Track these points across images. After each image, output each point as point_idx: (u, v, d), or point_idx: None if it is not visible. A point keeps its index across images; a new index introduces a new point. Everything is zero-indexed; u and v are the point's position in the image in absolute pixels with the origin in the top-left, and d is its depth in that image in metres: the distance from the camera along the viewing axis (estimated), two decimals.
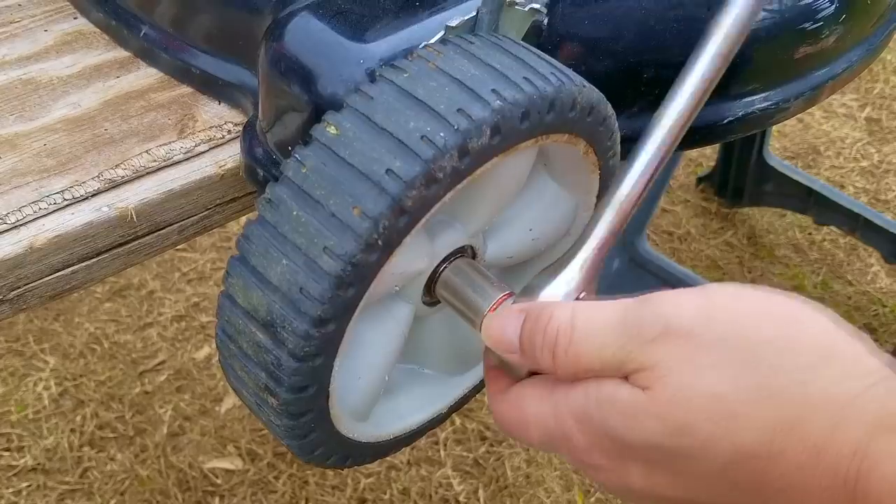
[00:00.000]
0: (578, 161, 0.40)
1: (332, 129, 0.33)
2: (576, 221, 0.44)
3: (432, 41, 0.36)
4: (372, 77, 0.34)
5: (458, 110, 0.32)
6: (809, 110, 1.40)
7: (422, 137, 0.32)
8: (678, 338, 0.30)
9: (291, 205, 0.33)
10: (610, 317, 0.32)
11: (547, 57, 0.36)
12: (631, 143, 0.45)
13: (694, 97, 0.36)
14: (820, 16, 0.48)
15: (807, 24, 0.48)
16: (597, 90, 0.37)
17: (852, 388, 0.28)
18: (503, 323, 0.34)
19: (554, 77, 0.35)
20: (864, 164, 1.69)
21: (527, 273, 0.46)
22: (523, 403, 0.34)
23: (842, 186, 1.63)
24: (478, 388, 0.47)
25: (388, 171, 0.31)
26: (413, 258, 0.38)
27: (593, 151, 0.39)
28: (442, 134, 0.32)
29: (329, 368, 0.35)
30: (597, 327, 0.32)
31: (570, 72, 0.36)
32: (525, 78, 0.34)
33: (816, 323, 0.30)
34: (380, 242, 0.32)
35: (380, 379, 0.41)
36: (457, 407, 0.46)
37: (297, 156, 0.33)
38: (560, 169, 0.41)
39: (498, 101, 0.33)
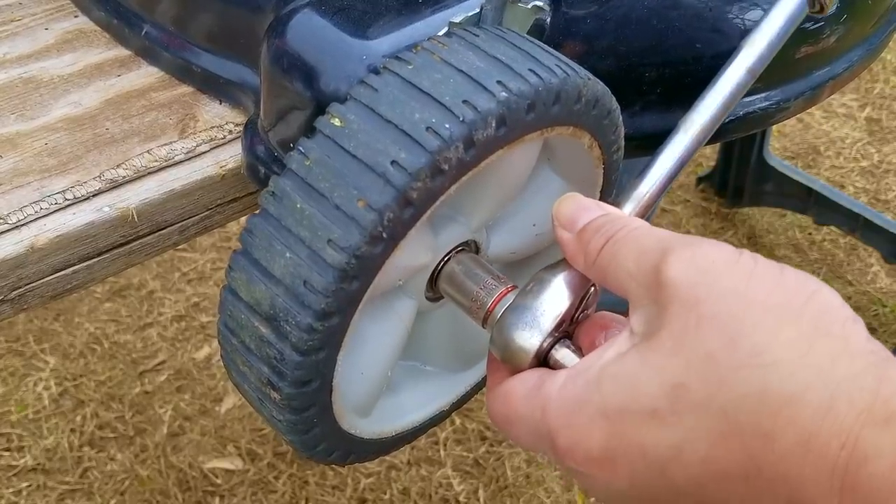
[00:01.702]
0: (583, 155, 0.40)
1: (336, 121, 0.33)
2: None
3: (440, 35, 0.36)
4: (377, 69, 0.34)
5: (464, 101, 0.32)
6: (809, 110, 1.40)
7: (427, 129, 0.32)
8: (700, 268, 0.30)
9: (295, 197, 0.33)
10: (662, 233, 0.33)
11: (552, 50, 0.36)
12: (632, 142, 0.45)
13: (722, 105, 0.37)
14: (821, 16, 0.48)
15: (808, 24, 0.48)
16: (601, 83, 0.37)
17: (846, 367, 0.27)
18: (584, 206, 0.35)
19: (559, 69, 0.35)
20: (864, 164, 1.69)
21: (530, 268, 0.46)
22: (512, 398, 0.34)
23: (842, 186, 1.64)
24: (480, 385, 0.47)
25: (394, 162, 0.31)
26: (417, 252, 0.38)
27: (598, 145, 0.39)
28: (447, 125, 0.32)
29: (332, 362, 0.35)
30: (648, 233, 0.33)
31: (574, 65, 0.36)
32: (531, 69, 0.34)
33: (823, 298, 0.29)
34: (384, 235, 0.32)
35: (382, 374, 0.41)
36: (459, 404, 0.46)
37: (300, 148, 0.33)
38: (564, 163, 0.41)
39: (504, 93, 0.33)
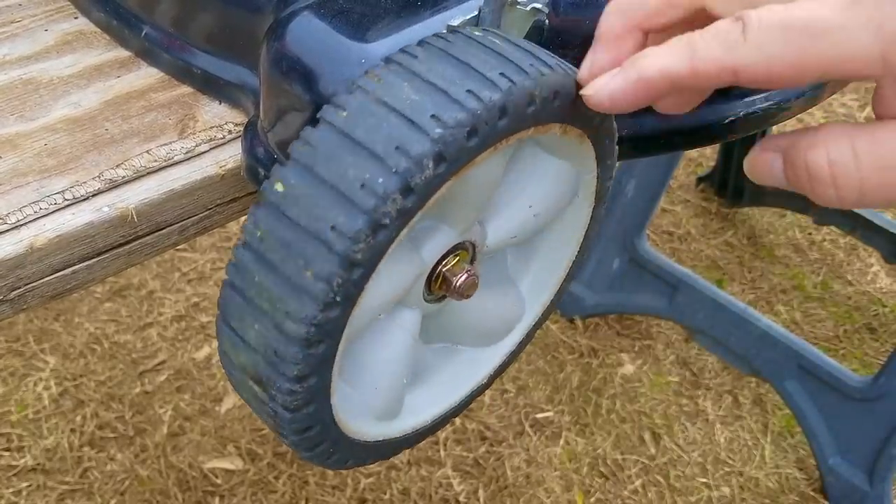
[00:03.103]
0: (560, 138, 0.38)
1: (279, 186, 0.32)
2: (581, 186, 0.42)
3: (378, 67, 0.34)
4: (315, 120, 0.33)
5: (396, 148, 0.31)
6: (810, 110, 1.40)
7: (361, 186, 0.30)
8: None
9: (253, 270, 0.33)
10: None
11: (503, 47, 0.34)
12: (633, 143, 0.45)
13: None
14: None
15: None
16: (563, 69, 0.35)
17: None
18: None
19: (504, 79, 0.32)
20: None
21: (537, 247, 0.45)
22: None
23: None
24: (516, 353, 0.47)
25: (333, 227, 0.31)
26: (393, 284, 0.37)
27: (570, 128, 0.37)
28: (381, 179, 0.30)
29: (326, 408, 0.36)
30: None
31: (528, 59, 0.34)
32: (468, 91, 0.32)
33: None
34: (338, 299, 0.31)
35: (399, 381, 0.41)
36: (497, 374, 0.46)
37: (253, 217, 0.33)
38: (549, 144, 0.40)
39: (438, 129, 0.31)
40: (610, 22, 0.33)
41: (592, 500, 1.22)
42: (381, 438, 0.41)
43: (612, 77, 0.32)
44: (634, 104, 0.31)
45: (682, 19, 0.32)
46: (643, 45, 0.33)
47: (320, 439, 0.37)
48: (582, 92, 0.33)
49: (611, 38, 0.33)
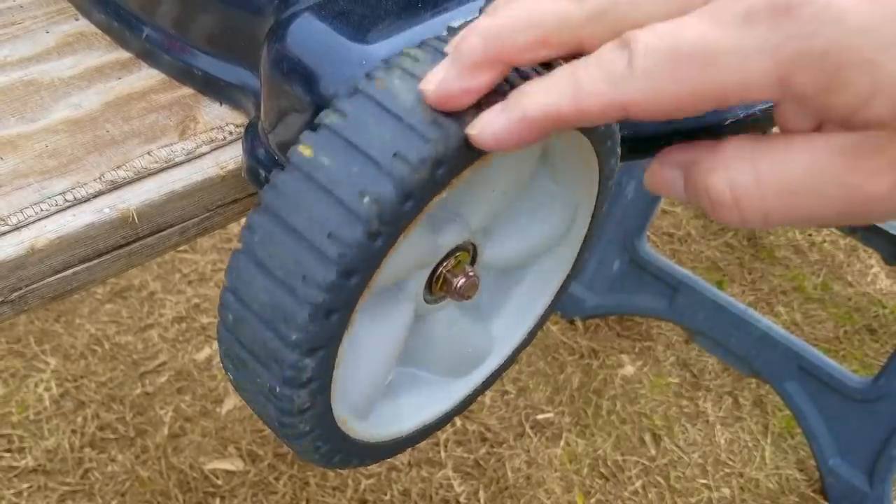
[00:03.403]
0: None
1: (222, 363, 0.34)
2: (554, 145, 0.39)
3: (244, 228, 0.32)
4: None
5: (273, 340, 0.31)
6: None
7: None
8: None
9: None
10: None
11: (343, 173, 0.30)
12: (632, 144, 0.45)
13: None
14: None
15: None
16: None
17: None
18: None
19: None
20: None
21: (517, 217, 0.43)
22: None
23: None
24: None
25: (270, 390, 0.32)
26: (394, 328, 0.37)
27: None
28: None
29: (352, 443, 0.37)
30: None
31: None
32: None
33: None
34: (312, 389, 0.33)
35: (465, 345, 0.42)
36: (541, 324, 0.47)
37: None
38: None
39: (303, 313, 0.30)
40: (471, 44, 0.28)
41: (593, 501, 1.22)
42: (473, 387, 0.42)
43: (496, 115, 0.28)
44: (521, 144, 0.28)
45: (554, 58, 0.29)
46: (504, 78, 0.29)
47: (352, 451, 0.38)
48: (467, 131, 0.29)
49: (467, 65, 0.29)
